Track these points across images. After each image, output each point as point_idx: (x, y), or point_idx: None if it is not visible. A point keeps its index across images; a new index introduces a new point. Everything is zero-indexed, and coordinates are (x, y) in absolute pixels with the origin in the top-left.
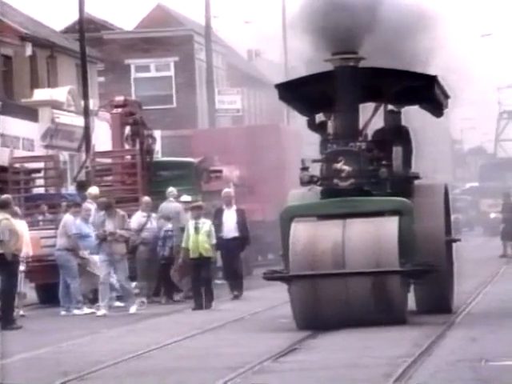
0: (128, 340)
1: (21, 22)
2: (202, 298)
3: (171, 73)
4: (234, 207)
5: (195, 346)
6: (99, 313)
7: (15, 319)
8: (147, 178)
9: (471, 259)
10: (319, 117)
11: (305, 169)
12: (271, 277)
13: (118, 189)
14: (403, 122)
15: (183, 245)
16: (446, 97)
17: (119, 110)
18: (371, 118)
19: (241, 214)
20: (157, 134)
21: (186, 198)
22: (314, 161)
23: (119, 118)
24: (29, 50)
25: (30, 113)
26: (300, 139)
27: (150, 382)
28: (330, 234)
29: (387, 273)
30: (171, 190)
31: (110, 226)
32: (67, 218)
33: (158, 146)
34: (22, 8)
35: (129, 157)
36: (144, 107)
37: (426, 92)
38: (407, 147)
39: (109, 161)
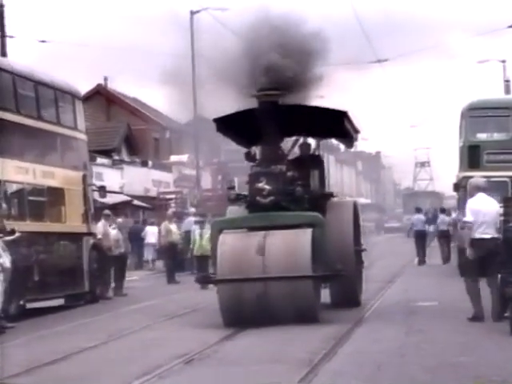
0: (202, 295)
1: (162, 120)
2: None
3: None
4: None
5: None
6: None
7: (174, 278)
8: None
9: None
10: (254, 149)
11: (231, 188)
12: (202, 280)
13: (214, 207)
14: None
15: (191, 246)
16: (356, 131)
17: (215, 166)
18: (292, 148)
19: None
20: (235, 178)
21: None
22: (246, 182)
23: (215, 170)
24: (167, 134)
25: (168, 168)
26: None
27: (218, 317)
28: (252, 243)
29: (301, 277)
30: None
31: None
32: (188, 220)
33: (236, 184)
34: (161, 110)
35: (220, 191)
36: (229, 164)
37: (338, 126)
38: (321, 172)
39: (210, 193)
